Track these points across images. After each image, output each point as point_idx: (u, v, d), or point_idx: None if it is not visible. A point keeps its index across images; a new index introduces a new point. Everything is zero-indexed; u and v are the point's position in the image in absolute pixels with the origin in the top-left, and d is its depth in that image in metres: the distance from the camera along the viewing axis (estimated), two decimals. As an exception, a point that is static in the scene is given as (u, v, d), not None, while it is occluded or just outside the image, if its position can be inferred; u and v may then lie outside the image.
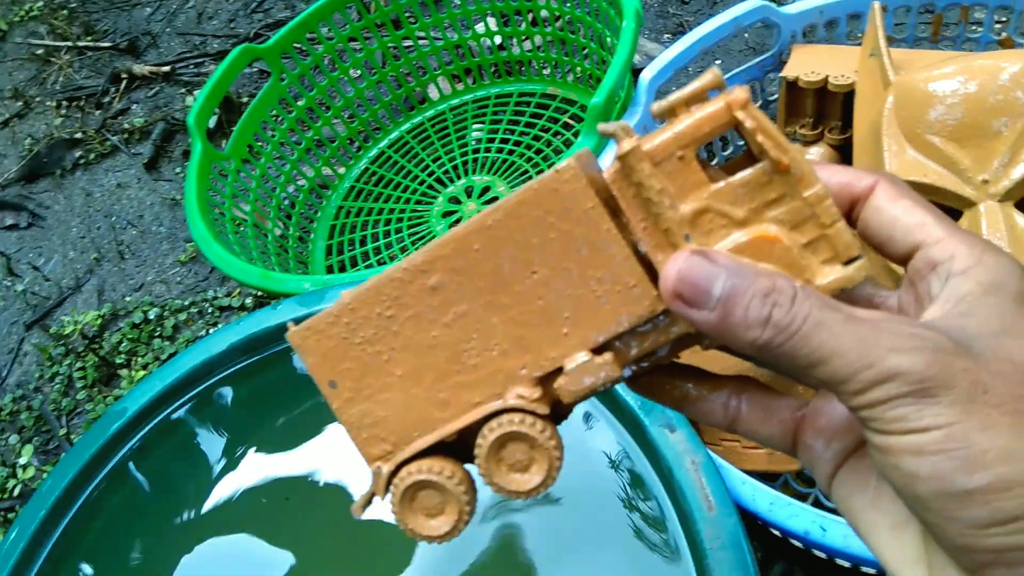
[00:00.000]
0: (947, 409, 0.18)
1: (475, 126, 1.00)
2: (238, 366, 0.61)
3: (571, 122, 0.95)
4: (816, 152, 0.69)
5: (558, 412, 0.25)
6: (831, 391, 0.20)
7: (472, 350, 0.24)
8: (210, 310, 0.96)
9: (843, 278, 0.22)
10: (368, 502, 0.25)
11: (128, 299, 1.01)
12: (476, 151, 0.97)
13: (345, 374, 0.24)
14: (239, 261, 0.70)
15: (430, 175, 0.97)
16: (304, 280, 0.65)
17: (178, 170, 1.15)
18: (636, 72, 0.81)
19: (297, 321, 0.25)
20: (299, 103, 0.96)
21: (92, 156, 1.20)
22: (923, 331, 0.19)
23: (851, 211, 0.24)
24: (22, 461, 0.90)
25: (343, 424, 0.25)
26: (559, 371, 0.23)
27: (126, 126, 1.22)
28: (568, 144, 0.93)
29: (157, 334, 0.95)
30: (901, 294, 0.24)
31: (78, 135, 1.23)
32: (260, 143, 0.92)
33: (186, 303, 0.97)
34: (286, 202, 0.94)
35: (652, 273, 0.23)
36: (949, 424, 0.18)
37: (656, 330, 0.23)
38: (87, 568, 0.53)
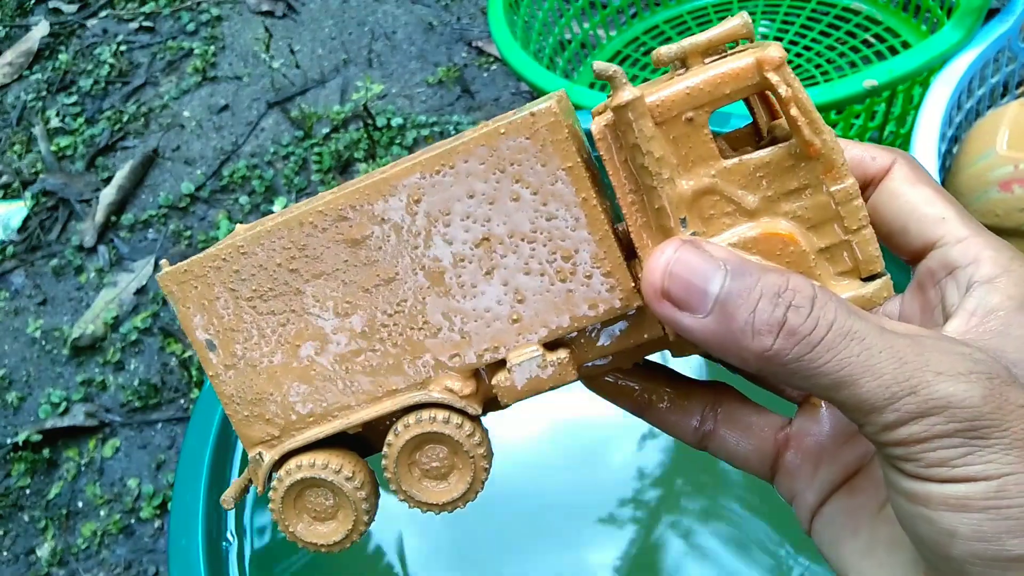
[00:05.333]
0: (1001, 455, 0.15)
1: (763, 22, 0.95)
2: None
3: (873, 40, 0.89)
4: None
5: (489, 408, 0.20)
6: (852, 419, 0.16)
7: (394, 325, 0.19)
8: (452, 132, 0.95)
9: (859, 297, 0.17)
10: (243, 492, 0.21)
11: (372, 105, 1.02)
12: (760, 46, 0.92)
13: (228, 335, 0.19)
14: (540, 67, 0.68)
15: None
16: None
17: (440, -2, 1.14)
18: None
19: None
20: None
21: (356, -34, 1.21)
22: (976, 352, 0.16)
23: (861, 194, 0.20)
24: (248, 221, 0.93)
25: (219, 396, 0.20)
26: (500, 364, 0.19)
27: (395, -55, 1.22)
28: (867, 61, 0.87)
29: (397, 142, 0.96)
30: (905, 299, 0.20)
31: (346, -57, 1.24)
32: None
33: (429, 120, 0.97)
34: (553, 51, 0.92)
35: (631, 258, 0.18)
36: (1003, 475, 0.15)
37: (627, 330, 0.19)
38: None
